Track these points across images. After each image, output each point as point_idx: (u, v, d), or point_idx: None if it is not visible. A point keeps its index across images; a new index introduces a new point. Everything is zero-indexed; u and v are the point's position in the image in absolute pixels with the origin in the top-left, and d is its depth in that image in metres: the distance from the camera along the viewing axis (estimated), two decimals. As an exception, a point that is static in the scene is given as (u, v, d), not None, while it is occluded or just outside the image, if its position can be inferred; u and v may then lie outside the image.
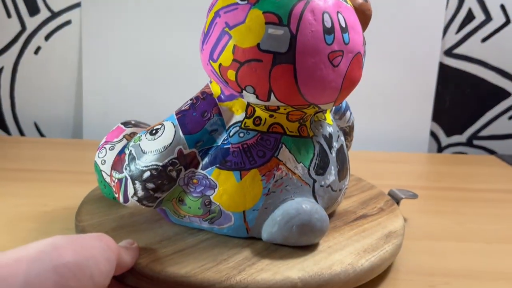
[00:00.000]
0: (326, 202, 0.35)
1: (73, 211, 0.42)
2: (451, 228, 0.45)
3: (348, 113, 0.40)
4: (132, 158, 0.32)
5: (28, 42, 0.74)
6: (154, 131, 0.32)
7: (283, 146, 0.33)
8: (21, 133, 0.78)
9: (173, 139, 0.32)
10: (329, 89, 0.30)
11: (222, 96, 0.33)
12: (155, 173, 0.31)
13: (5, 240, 0.39)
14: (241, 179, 0.32)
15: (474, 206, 0.50)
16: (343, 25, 0.30)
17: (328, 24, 0.29)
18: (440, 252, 0.40)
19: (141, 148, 0.32)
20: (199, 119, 0.32)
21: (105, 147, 0.38)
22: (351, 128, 0.41)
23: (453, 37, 0.73)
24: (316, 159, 0.34)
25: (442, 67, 0.74)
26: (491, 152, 0.77)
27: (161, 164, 0.31)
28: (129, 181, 0.32)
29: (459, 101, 0.76)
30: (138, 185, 0.32)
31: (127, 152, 0.32)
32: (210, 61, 0.31)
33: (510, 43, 0.73)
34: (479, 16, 0.72)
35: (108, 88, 0.75)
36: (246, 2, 0.29)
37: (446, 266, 0.37)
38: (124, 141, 0.37)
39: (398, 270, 0.36)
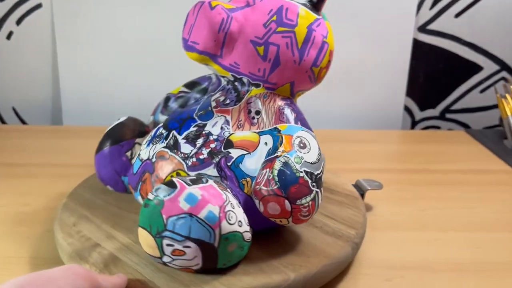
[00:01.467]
0: None
1: (55, 211, 0.44)
2: (413, 216, 0.47)
3: None
4: (311, 174, 0.33)
5: None
6: (302, 145, 0.35)
7: None
8: (1, 119, 0.78)
9: (316, 139, 0.36)
10: None
11: (292, 94, 0.39)
12: (324, 170, 0.36)
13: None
14: None
15: (437, 190, 0.53)
16: None
17: None
18: (399, 243, 0.42)
19: (309, 162, 0.34)
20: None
21: (229, 212, 0.32)
22: None
23: (427, 13, 0.73)
24: None
25: (416, 43, 0.75)
26: (463, 125, 0.80)
27: (322, 159, 0.36)
28: (319, 192, 0.34)
29: (433, 76, 0.77)
30: (321, 189, 0.34)
31: (301, 175, 0.33)
32: (313, 68, 0.37)
33: (483, 18, 0.73)
34: (453, -8, 0.72)
35: (85, 72, 0.75)
36: (320, 16, 0.37)
37: (403, 257, 0.40)
38: (230, 196, 0.33)
39: (360, 264, 0.39)
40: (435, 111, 0.79)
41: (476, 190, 0.53)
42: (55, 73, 0.75)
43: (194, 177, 0.33)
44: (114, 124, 0.43)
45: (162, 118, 0.44)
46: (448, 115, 0.79)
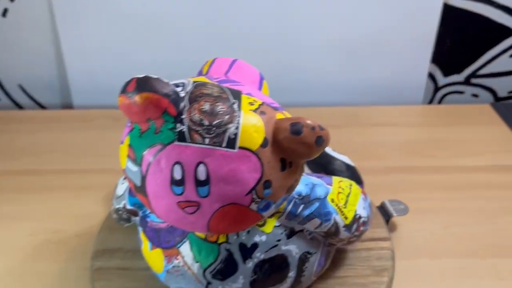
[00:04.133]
0: None
1: (88, 237, 0.43)
2: (436, 236, 0.48)
3: (316, 220, 0.36)
4: None
5: (-7, 4, 0.67)
6: None
7: (188, 242, 0.35)
8: (7, 95, 0.76)
9: None
10: (192, 227, 0.31)
11: None
12: None
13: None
14: (151, 249, 0.37)
15: (460, 199, 0.52)
16: (202, 178, 0.28)
17: (177, 176, 0.28)
18: (426, 275, 0.43)
19: None
20: None
21: None
22: (329, 233, 0.37)
23: (460, -25, 0.66)
24: (218, 265, 0.34)
25: (446, 8, 0.68)
26: (489, 89, 0.76)
27: None
28: None
29: (461, 41, 0.72)
30: None
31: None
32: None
33: (523, -22, 0.66)
34: (492, -50, 0.64)
35: (89, 46, 0.71)
36: (128, 123, 0.30)
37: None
38: None
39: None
40: (460, 77, 0.75)
41: (500, 198, 0.53)
42: (58, 50, 0.71)
43: None
44: None
45: None
46: (474, 80, 0.76)
